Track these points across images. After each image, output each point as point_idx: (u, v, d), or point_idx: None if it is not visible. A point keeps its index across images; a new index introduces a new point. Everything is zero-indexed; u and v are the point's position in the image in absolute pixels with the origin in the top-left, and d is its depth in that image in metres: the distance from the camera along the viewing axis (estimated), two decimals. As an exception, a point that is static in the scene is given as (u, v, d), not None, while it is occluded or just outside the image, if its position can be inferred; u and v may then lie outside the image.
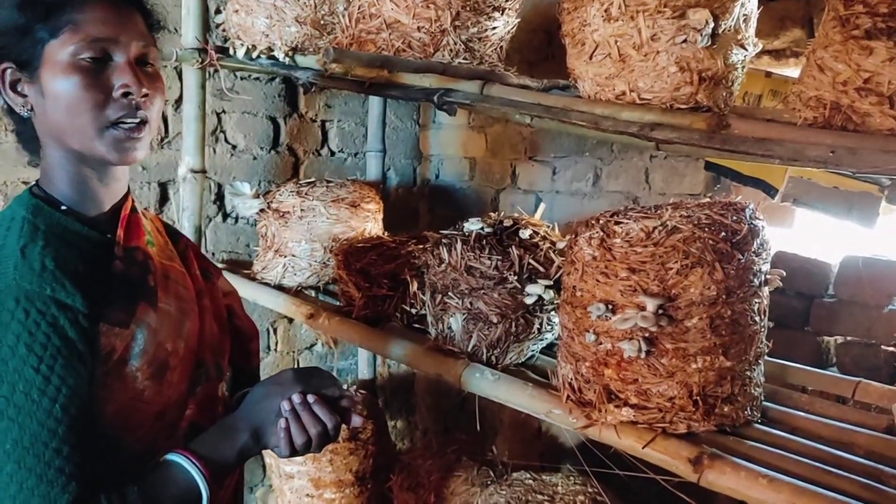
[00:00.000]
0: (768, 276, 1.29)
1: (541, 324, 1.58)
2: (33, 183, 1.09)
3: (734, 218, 1.22)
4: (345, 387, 1.16)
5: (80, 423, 0.93)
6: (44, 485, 0.89)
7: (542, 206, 1.93)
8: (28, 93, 1.02)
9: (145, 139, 1.05)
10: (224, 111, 2.51)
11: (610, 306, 1.22)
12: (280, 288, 2.15)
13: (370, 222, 2.21)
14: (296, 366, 2.79)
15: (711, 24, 1.18)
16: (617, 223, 1.26)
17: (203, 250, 2.31)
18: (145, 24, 1.08)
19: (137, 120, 1.03)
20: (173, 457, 1.01)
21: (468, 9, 1.71)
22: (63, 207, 1.05)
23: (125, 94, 1.01)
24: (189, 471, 0.99)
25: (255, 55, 2.04)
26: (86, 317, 0.96)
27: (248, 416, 1.08)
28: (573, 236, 1.33)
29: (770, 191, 1.93)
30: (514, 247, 1.56)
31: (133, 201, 1.15)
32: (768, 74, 1.88)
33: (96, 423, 0.97)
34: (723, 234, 1.20)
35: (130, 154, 1.04)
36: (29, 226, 0.99)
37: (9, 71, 1.01)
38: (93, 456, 0.95)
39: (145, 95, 1.03)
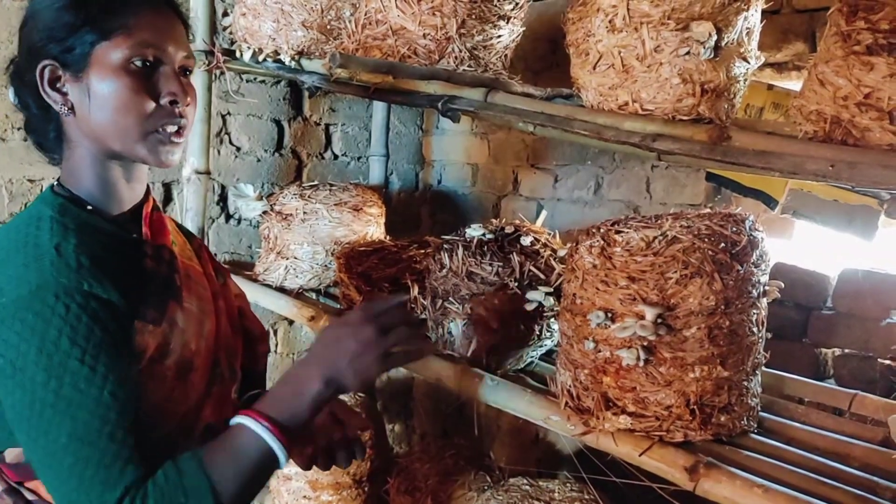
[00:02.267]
0: (767, 288, 1.29)
1: (540, 330, 1.59)
2: (54, 182, 1.09)
3: (734, 229, 1.23)
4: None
5: (130, 407, 0.93)
6: (102, 471, 0.88)
7: (543, 214, 1.95)
8: (70, 91, 1.02)
9: (183, 144, 1.08)
10: (229, 113, 2.53)
11: (609, 314, 1.23)
12: (281, 290, 2.16)
13: (372, 226, 2.22)
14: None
15: (714, 37, 1.19)
16: (617, 232, 1.27)
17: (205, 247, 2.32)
18: (185, 34, 1.10)
19: (178, 126, 1.05)
20: (241, 419, 0.96)
21: (474, 17, 1.72)
22: (89, 207, 1.05)
23: (172, 102, 1.03)
24: (260, 434, 0.95)
25: (261, 58, 2.05)
26: (123, 313, 0.97)
27: (321, 363, 1.02)
28: (574, 244, 1.34)
29: (770, 202, 1.94)
30: (515, 253, 1.57)
31: (154, 201, 1.16)
32: (770, 87, 1.89)
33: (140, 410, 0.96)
34: (722, 244, 1.21)
35: (170, 157, 1.06)
36: (58, 225, 0.99)
37: (48, 68, 1.01)
38: (144, 437, 0.94)
39: (188, 104, 1.05)
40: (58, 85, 1.02)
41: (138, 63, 1.01)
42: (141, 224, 1.11)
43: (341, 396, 1.09)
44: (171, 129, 1.04)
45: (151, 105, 1.02)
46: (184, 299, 1.08)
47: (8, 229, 1.03)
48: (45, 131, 1.07)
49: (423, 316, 1.72)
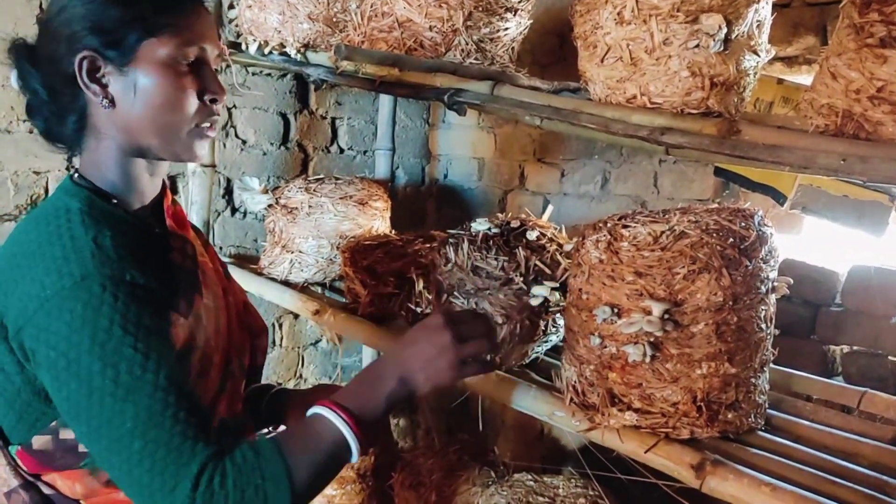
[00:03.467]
0: (775, 284, 1.28)
1: (546, 326, 1.58)
2: (72, 172, 1.09)
3: (742, 224, 1.22)
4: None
5: (186, 390, 0.94)
6: (173, 451, 0.89)
7: (549, 208, 1.93)
8: (112, 84, 1.02)
9: (213, 138, 1.11)
10: (235, 106, 2.52)
11: (616, 310, 1.22)
12: (286, 283, 2.15)
13: (378, 220, 2.21)
14: (300, 362, 2.79)
15: (724, 30, 1.18)
16: (625, 227, 1.25)
17: (210, 244, 2.32)
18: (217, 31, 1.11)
19: (213, 122, 1.08)
20: (319, 409, 0.99)
21: (481, 9, 1.71)
22: (114, 201, 1.05)
23: (213, 101, 1.06)
24: (336, 424, 0.97)
25: (267, 51, 2.04)
26: (163, 302, 0.99)
27: (395, 363, 1.06)
28: (580, 239, 1.33)
29: (779, 198, 1.92)
30: (520, 248, 1.56)
31: (171, 194, 1.17)
32: (780, 81, 1.87)
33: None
34: (731, 240, 1.20)
35: (201, 152, 1.08)
36: (89, 217, 0.99)
37: (88, 59, 1.00)
38: (208, 417, 0.95)
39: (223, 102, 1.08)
40: (97, 76, 1.02)
41: (185, 61, 1.02)
42: (161, 218, 1.12)
43: None
44: (207, 124, 1.07)
45: (197, 103, 1.04)
46: (203, 294, 1.09)
47: (35, 221, 1.02)
48: (64, 120, 1.06)
49: (428, 311, 1.71)
